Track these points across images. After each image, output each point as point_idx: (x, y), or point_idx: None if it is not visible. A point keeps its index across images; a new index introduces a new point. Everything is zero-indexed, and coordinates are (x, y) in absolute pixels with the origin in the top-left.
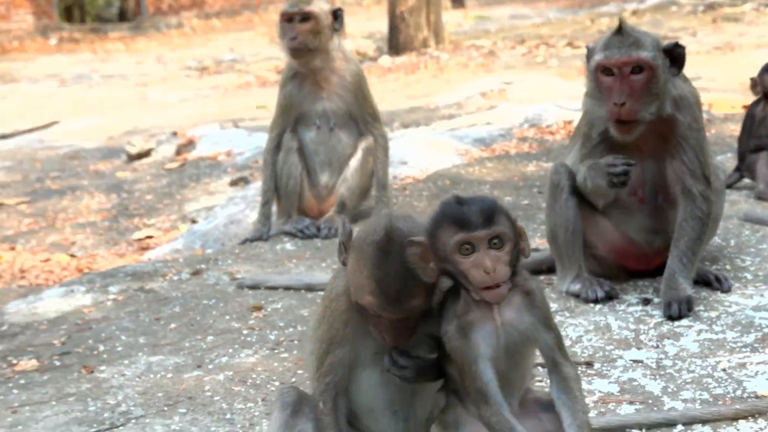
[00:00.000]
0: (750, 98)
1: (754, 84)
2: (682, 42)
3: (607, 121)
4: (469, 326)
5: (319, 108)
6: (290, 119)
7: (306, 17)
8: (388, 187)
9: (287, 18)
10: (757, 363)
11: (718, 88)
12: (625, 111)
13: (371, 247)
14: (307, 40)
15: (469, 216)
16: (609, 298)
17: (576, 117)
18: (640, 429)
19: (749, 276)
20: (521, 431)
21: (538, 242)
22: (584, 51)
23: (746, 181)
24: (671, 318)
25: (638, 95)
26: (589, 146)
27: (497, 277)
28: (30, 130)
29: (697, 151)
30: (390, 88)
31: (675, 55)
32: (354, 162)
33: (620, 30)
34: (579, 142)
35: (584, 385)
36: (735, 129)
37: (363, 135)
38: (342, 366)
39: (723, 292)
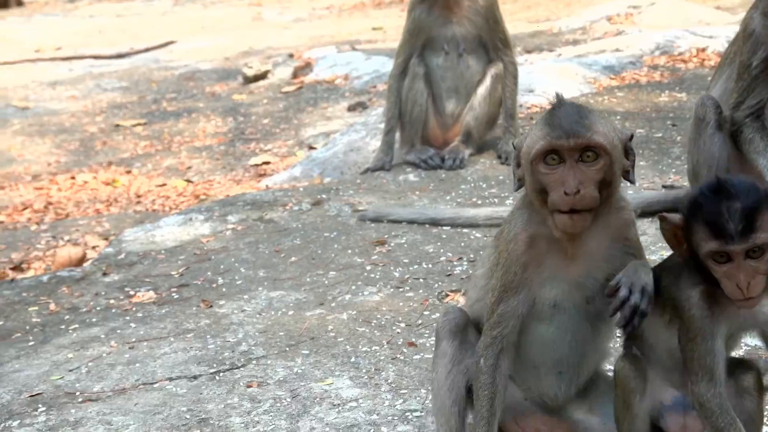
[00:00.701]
0: None
1: None
2: None
3: None
4: (715, 301)
5: (448, 33)
6: (418, 44)
7: None
8: (516, 116)
9: None
10: None
11: None
12: None
13: None
14: None
15: (728, 221)
16: None
17: (710, 44)
18: None
19: None
20: (739, 423)
21: (674, 179)
22: None
23: None
24: None
25: None
26: (747, 78)
27: (751, 293)
28: (146, 50)
29: None
30: (509, 10)
31: None
32: (482, 89)
33: None
34: (731, 72)
35: None
36: None
37: (492, 61)
38: (514, 317)
39: None
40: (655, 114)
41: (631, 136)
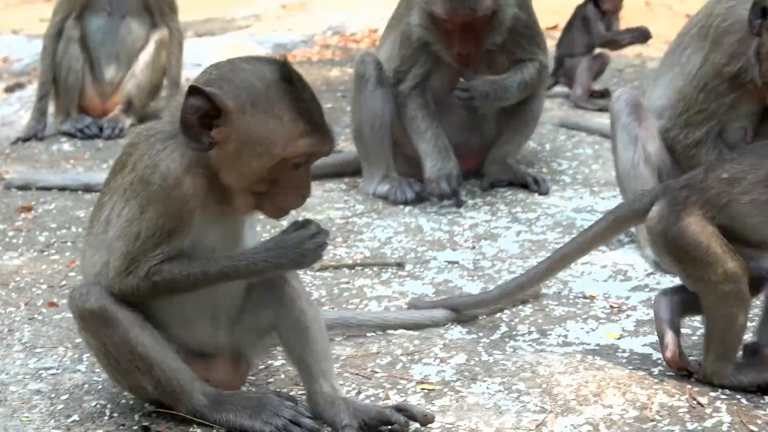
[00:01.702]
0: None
1: None
2: None
3: (444, 55)
4: None
5: None
6: (77, 2)
7: None
8: (180, 85)
9: None
10: (582, 264)
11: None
12: (470, 57)
13: None
14: None
15: None
16: (420, 199)
17: (382, 25)
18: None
19: (567, 179)
20: None
21: (344, 144)
22: None
23: (560, 89)
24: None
25: (482, 38)
26: (410, 47)
27: None
28: None
29: (531, 43)
30: (184, 5)
31: None
32: (145, 56)
33: None
34: (395, 37)
35: (396, 287)
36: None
37: (157, 26)
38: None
39: (541, 194)
40: (325, 87)
41: None
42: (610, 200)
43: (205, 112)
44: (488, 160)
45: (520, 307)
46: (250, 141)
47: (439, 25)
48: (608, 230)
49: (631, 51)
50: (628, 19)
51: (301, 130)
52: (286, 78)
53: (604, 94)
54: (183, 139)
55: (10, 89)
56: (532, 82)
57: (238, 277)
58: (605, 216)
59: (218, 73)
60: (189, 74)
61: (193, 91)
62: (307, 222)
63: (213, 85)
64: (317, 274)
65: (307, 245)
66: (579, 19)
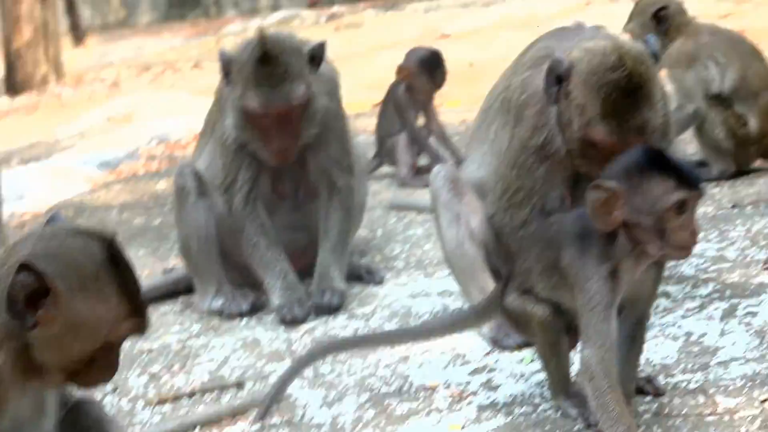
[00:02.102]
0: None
1: (400, 70)
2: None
3: (262, 155)
4: (620, 273)
5: None
6: None
7: None
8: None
9: None
10: (422, 353)
11: (348, 91)
12: (289, 153)
13: None
14: None
15: (688, 172)
16: (255, 309)
17: None
18: None
19: (401, 264)
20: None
21: (173, 263)
22: (212, 71)
23: (386, 170)
24: (321, 310)
25: (298, 130)
26: (229, 154)
27: (695, 242)
28: None
29: (341, 139)
30: (10, 130)
31: (318, 56)
32: None
33: (266, 58)
34: (213, 145)
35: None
36: (368, 124)
37: None
38: None
39: (376, 284)
40: (153, 203)
41: None
42: (444, 280)
43: (33, 291)
44: None
45: (362, 413)
46: (76, 324)
47: (254, 122)
48: (450, 329)
49: (456, 118)
50: (452, 80)
51: (125, 313)
52: (113, 258)
53: (430, 169)
54: None
55: None
56: (349, 212)
57: None
58: (451, 315)
59: (44, 247)
60: (12, 210)
61: (24, 267)
62: None
63: (41, 261)
64: (155, 408)
65: None
66: (392, 99)
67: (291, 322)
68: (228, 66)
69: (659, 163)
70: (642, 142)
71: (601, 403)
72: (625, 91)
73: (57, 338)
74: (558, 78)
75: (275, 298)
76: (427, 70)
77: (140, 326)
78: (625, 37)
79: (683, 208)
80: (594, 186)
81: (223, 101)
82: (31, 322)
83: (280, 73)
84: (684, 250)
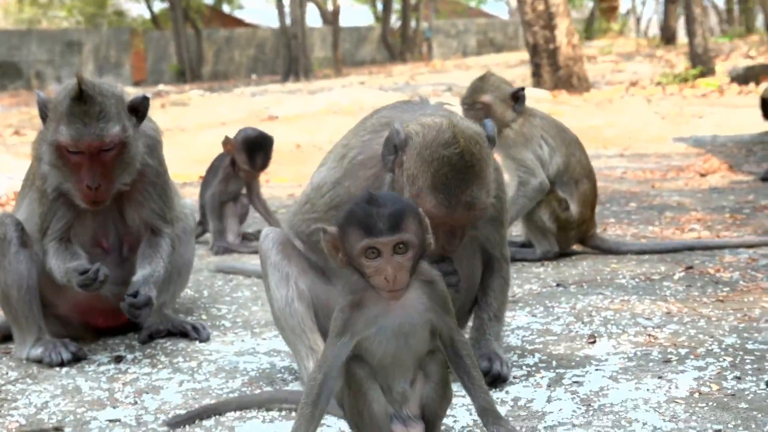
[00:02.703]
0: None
1: (226, 142)
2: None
3: (75, 196)
4: (361, 304)
5: None
6: None
7: None
8: None
9: None
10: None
11: (175, 164)
12: (101, 193)
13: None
14: None
15: (377, 220)
16: (77, 359)
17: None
18: None
19: (227, 323)
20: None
21: None
22: (32, 137)
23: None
24: (131, 309)
25: (112, 172)
26: (47, 202)
27: (397, 285)
28: None
29: (162, 195)
30: None
31: (140, 108)
32: None
33: (81, 96)
34: (32, 195)
35: None
36: (195, 192)
37: None
38: None
39: (202, 341)
40: None
41: None
42: (271, 340)
43: None
44: None
45: None
46: None
47: (68, 159)
48: None
49: (283, 193)
50: (280, 159)
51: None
52: None
53: (257, 236)
54: None
55: None
56: (169, 257)
57: None
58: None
59: None
60: None
61: None
62: None
63: None
64: None
65: None
66: (217, 170)
67: (57, 364)
68: (44, 106)
69: (358, 211)
70: (471, 218)
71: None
72: (456, 167)
73: None
74: (394, 147)
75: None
76: (247, 150)
77: None
78: (462, 118)
79: (373, 253)
80: (322, 230)
81: (40, 151)
82: None
83: (95, 112)
84: (383, 290)
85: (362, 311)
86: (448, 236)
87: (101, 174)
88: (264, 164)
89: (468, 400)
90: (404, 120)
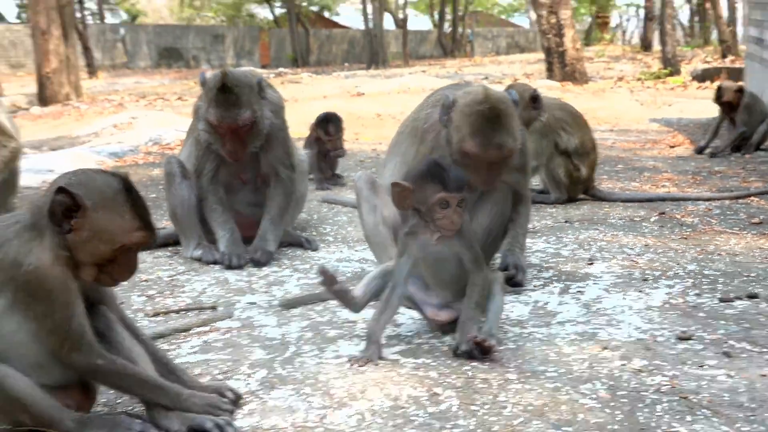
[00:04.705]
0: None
1: (311, 127)
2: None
3: (221, 151)
4: (415, 235)
5: None
6: None
7: None
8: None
9: None
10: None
11: (292, 125)
12: (237, 154)
13: None
14: None
15: (451, 180)
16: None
17: None
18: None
19: (330, 238)
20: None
21: (165, 223)
22: (190, 102)
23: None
24: (254, 263)
25: (246, 141)
26: (201, 149)
27: (456, 227)
28: None
29: (284, 146)
30: (40, 129)
31: (260, 87)
32: None
33: (224, 87)
34: (190, 145)
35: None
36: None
37: None
38: None
39: (312, 250)
40: (150, 182)
41: None
42: (362, 252)
43: (67, 207)
44: None
45: (303, 333)
46: (99, 231)
47: (214, 129)
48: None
49: (368, 148)
50: (365, 124)
51: (136, 226)
52: (127, 188)
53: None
54: (46, 226)
55: None
56: (288, 196)
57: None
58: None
59: (76, 179)
60: (45, 177)
61: (61, 189)
62: (233, 395)
63: (73, 188)
64: (153, 318)
65: (215, 412)
66: (312, 142)
67: (229, 267)
68: (204, 84)
69: (435, 173)
70: (501, 158)
71: None
72: (488, 118)
73: (87, 241)
74: (446, 109)
75: (222, 247)
76: (320, 124)
77: (148, 238)
78: (492, 89)
79: (445, 204)
80: (393, 183)
81: (198, 112)
82: (67, 228)
83: (232, 101)
84: (447, 231)
85: (416, 241)
86: (487, 174)
87: (237, 143)
88: (336, 131)
89: (522, 296)
90: (452, 94)
